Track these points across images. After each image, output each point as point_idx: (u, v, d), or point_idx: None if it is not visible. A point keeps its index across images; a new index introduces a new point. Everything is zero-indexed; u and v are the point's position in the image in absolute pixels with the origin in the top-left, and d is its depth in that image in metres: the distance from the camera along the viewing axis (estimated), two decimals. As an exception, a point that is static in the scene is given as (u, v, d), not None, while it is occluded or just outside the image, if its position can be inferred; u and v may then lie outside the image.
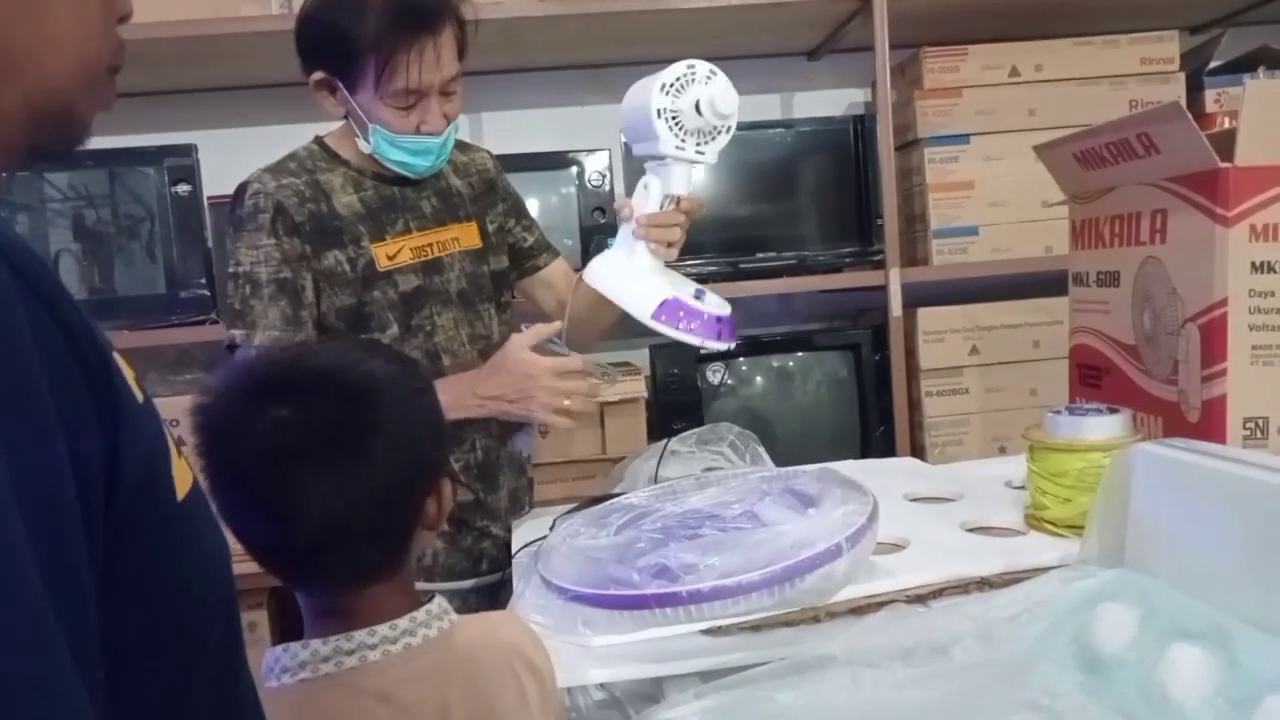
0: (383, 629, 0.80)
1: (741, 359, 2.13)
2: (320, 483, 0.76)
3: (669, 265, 1.27)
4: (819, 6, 2.05)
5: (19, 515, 0.39)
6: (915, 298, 2.08)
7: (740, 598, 0.88)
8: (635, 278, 1.23)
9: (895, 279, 2.03)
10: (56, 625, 0.39)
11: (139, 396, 0.48)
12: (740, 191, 2.17)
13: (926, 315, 2.08)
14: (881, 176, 2.04)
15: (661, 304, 1.18)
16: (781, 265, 2.11)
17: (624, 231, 1.26)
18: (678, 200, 1.22)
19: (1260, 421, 1.03)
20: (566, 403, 1.26)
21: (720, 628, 0.91)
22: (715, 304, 1.21)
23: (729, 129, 1.17)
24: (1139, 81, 2.10)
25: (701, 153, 1.16)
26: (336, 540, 0.77)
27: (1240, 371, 1.03)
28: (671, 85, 1.13)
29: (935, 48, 2.10)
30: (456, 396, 1.28)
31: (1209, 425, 1.04)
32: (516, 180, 1.87)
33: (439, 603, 0.85)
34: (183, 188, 1.97)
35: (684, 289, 1.22)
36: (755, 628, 0.91)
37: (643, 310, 1.19)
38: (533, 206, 2.13)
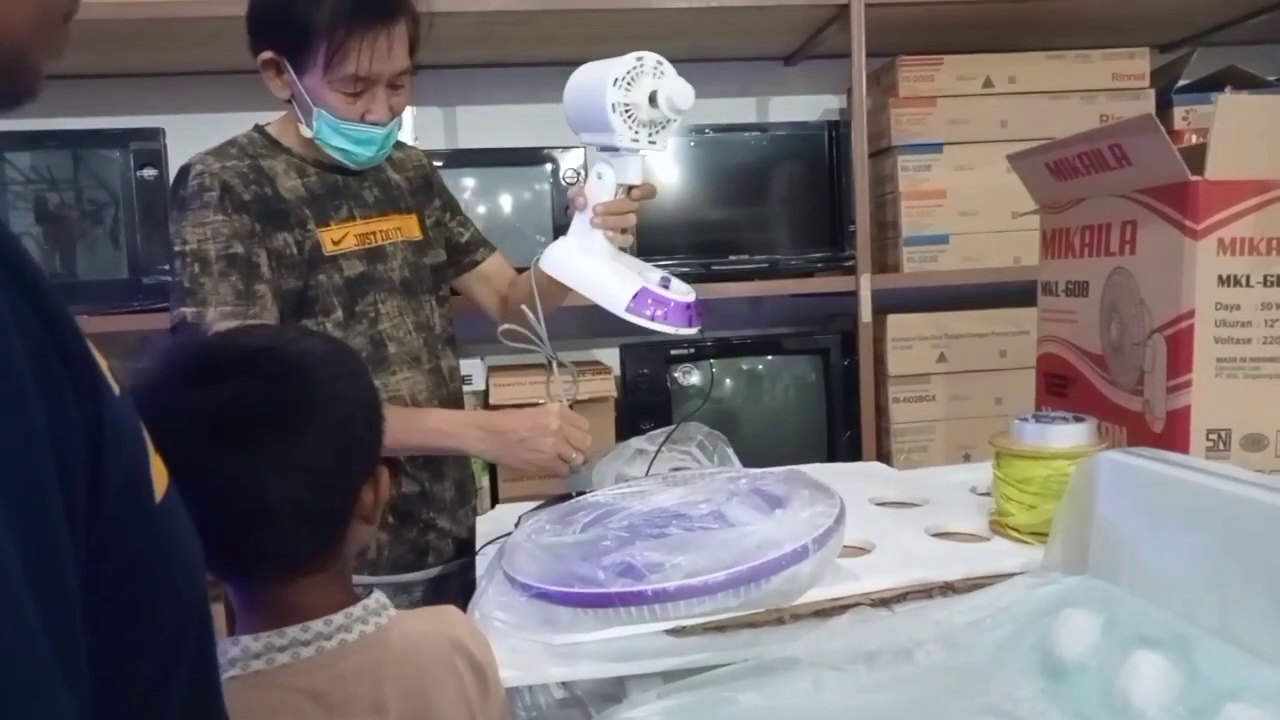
0: (316, 624, 0.78)
1: (711, 361, 2.13)
2: (252, 460, 0.74)
3: (626, 252, 1.29)
4: (797, 11, 2.06)
5: (5, 514, 0.36)
6: (885, 304, 2.09)
7: (705, 597, 0.87)
8: (602, 268, 1.24)
9: (866, 285, 2.04)
10: (47, 643, 0.37)
11: (115, 389, 0.46)
12: (714, 194, 2.17)
13: (896, 322, 2.09)
14: (855, 183, 2.05)
15: (635, 295, 1.19)
16: (753, 268, 2.12)
17: (579, 220, 1.27)
18: (629, 188, 1.25)
19: (1223, 433, 1.04)
20: (575, 454, 1.25)
21: (684, 628, 0.90)
22: (682, 290, 1.22)
23: (678, 118, 1.18)
24: (1110, 96, 2.13)
25: (653, 142, 1.18)
26: (268, 523, 0.75)
27: (1205, 383, 1.04)
28: (623, 78, 1.14)
29: (911, 56, 2.11)
30: (453, 424, 1.31)
31: (1173, 436, 1.05)
32: (489, 175, 1.87)
33: (377, 598, 0.83)
34: (148, 172, 1.93)
35: (649, 275, 1.23)
36: (719, 628, 0.91)
37: (616, 301, 1.19)
38: (505, 202, 2.12)
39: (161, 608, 0.48)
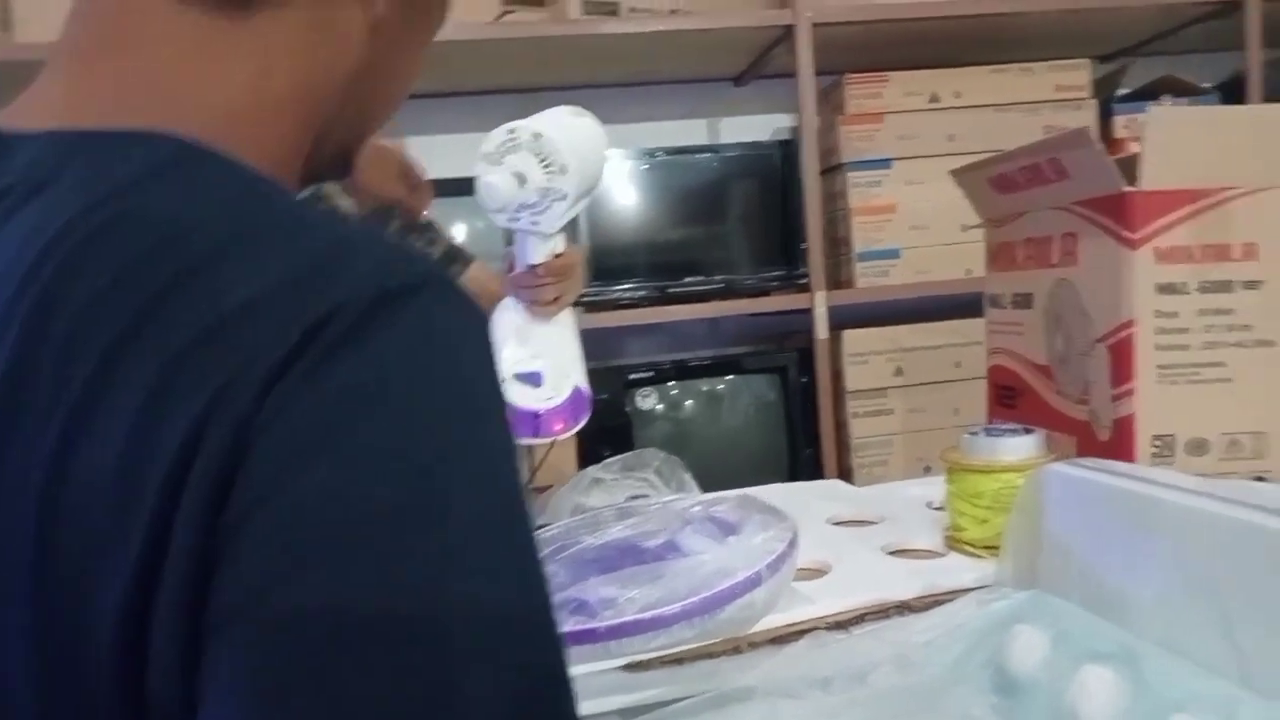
0: None
1: (671, 383, 2.13)
2: None
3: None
4: (744, 32, 2.08)
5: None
6: (840, 320, 2.10)
7: (661, 631, 0.86)
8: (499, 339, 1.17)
9: (821, 302, 2.05)
10: None
11: None
12: (668, 215, 2.18)
13: (851, 337, 2.11)
14: (806, 200, 2.06)
15: None
16: (709, 289, 2.12)
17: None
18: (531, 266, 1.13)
19: (1167, 439, 1.05)
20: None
21: (641, 662, 0.90)
22: (542, 396, 1.11)
23: (564, 196, 1.03)
24: (1054, 108, 2.16)
25: (536, 223, 1.04)
26: None
27: (1148, 391, 1.05)
28: (494, 154, 1.02)
29: (858, 74, 2.14)
30: None
31: (1119, 444, 1.06)
32: (441, 206, 1.85)
33: None
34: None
35: (520, 365, 1.12)
36: (677, 661, 0.90)
37: None
38: (458, 233, 2.11)
39: None
